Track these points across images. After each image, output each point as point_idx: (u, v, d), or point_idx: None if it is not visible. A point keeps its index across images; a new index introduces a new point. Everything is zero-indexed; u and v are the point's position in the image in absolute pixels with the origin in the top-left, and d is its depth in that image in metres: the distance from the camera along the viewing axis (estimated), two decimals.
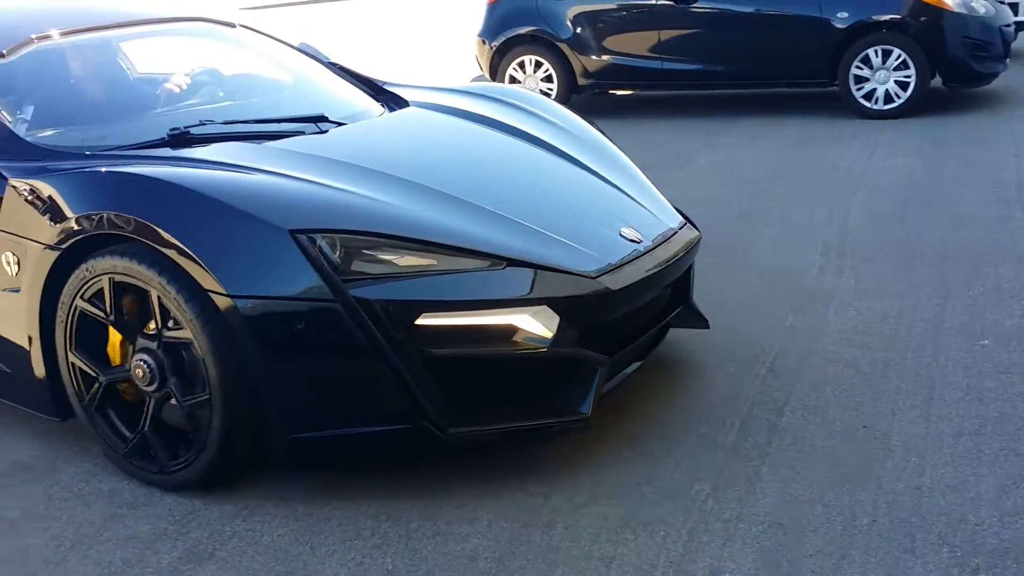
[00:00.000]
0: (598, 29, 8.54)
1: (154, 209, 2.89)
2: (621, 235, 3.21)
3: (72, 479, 3.22)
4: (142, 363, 2.98)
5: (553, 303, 2.89)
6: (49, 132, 3.51)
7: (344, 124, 3.67)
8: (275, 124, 3.53)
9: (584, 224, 3.23)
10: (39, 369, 3.21)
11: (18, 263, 3.18)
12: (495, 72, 8.88)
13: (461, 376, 2.86)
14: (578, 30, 8.55)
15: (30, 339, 3.20)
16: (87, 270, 2.99)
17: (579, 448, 3.15)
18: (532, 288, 2.89)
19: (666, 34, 8.38)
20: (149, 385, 3.00)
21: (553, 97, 8.62)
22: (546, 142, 3.75)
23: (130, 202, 2.94)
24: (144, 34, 4.30)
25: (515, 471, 3.05)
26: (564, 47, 8.61)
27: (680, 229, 3.49)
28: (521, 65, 8.80)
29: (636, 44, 8.50)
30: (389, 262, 2.83)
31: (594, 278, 2.98)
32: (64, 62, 4.00)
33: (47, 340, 3.16)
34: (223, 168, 3.12)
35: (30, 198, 3.14)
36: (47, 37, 3.83)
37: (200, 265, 2.78)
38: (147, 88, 4.18)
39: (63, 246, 3.03)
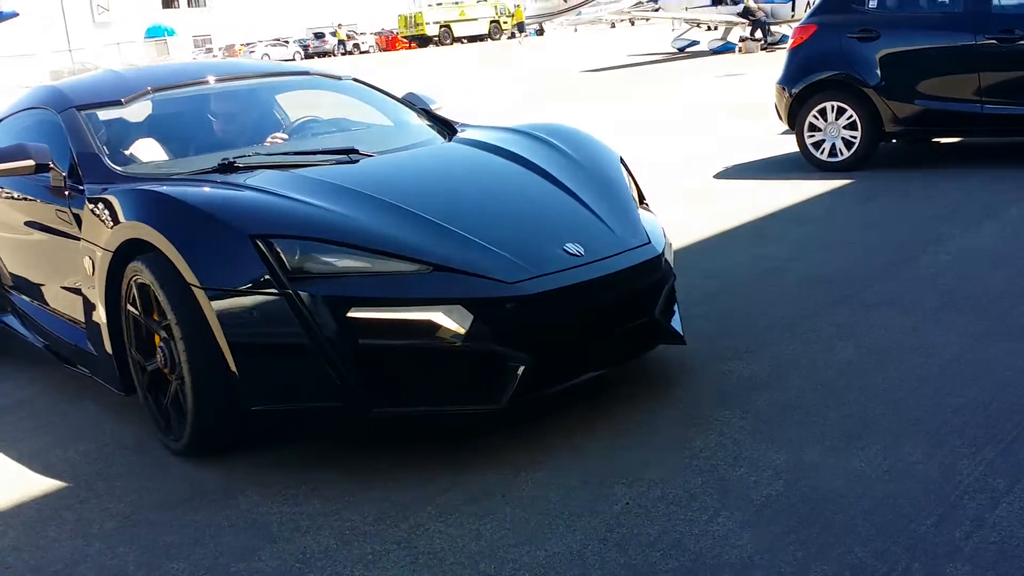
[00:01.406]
0: (910, 72, 7.85)
1: (156, 217, 3.58)
2: (564, 249, 3.56)
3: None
4: (161, 350, 3.59)
5: (468, 303, 3.28)
6: (137, 163, 4.32)
7: (372, 156, 4.23)
8: (312, 156, 4.18)
9: (527, 237, 3.61)
10: (108, 351, 3.92)
11: (92, 264, 3.94)
12: (794, 120, 8.46)
13: (385, 363, 3.30)
14: (887, 73, 7.92)
15: (101, 327, 3.83)
16: (126, 271, 3.68)
17: None
18: (449, 289, 3.30)
19: (988, 76, 7.52)
20: (166, 368, 3.58)
21: (856, 145, 8.08)
22: (538, 166, 4.13)
23: (145, 212, 3.65)
24: (254, 86, 5.13)
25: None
26: (871, 92, 8.00)
27: (639, 247, 3.74)
28: (822, 112, 8.30)
29: (953, 87, 7.70)
30: (329, 263, 3.34)
31: (510, 283, 3.35)
32: (169, 109, 4.89)
33: (114, 328, 3.78)
34: (229, 187, 3.75)
35: (97, 211, 3.93)
36: (162, 89, 4.76)
37: (182, 261, 3.38)
38: (229, 128, 4.89)
39: (112, 250, 3.74)
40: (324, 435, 3.70)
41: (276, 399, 3.38)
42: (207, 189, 3.74)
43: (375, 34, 70.21)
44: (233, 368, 3.35)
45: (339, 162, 4.12)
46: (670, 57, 27.50)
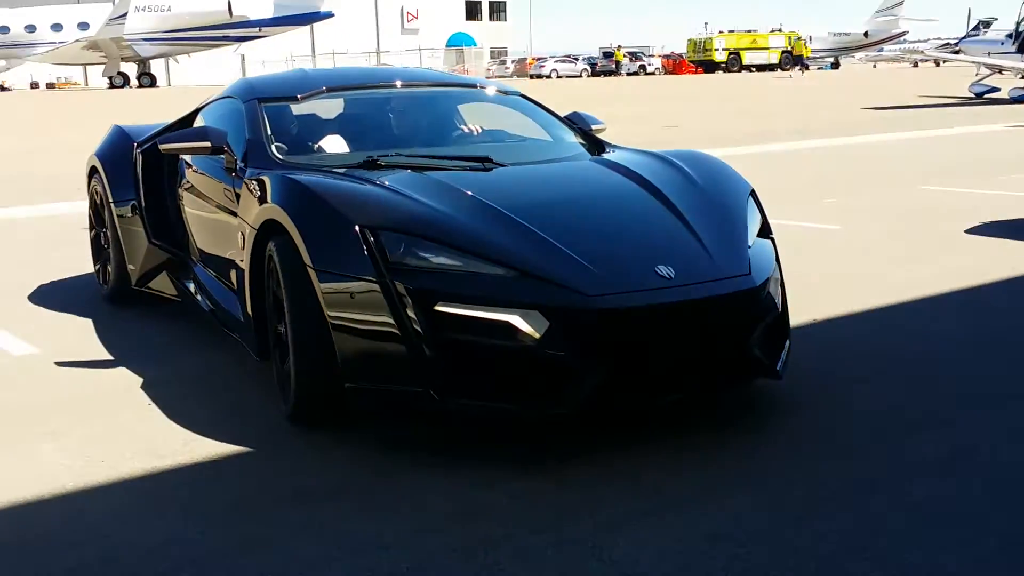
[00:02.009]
0: None
1: (288, 201, 3.93)
2: (655, 270, 3.63)
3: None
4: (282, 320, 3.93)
5: (545, 310, 3.44)
6: (297, 152, 4.75)
7: (504, 166, 4.50)
8: (449, 160, 4.54)
9: (620, 253, 3.73)
10: (249, 316, 4.32)
11: (243, 238, 4.34)
12: None
13: (465, 357, 3.49)
14: None
15: (246, 294, 4.30)
16: (267, 247, 4.00)
17: None
18: (529, 295, 3.47)
19: None
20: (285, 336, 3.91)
21: None
22: (656, 188, 4.20)
23: (282, 196, 4.00)
24: (428, 93, 5.54)
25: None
26: None
27: (735, 277, 3.73)
28: None
29: None
30: (425, 259, 3.58)
31: (589, 296, 3.48)
32: (338, 107, 5.36)
33: (256, 297, 4.21)
34: (358, 181, 4.10)
35: (251, 191, 4.34)
36: (335, 89, 5.27)
37: (301, 242, 3.72)
38: (402, 129, 5.23)
39: (256, 227, 4.10)
40: (408, 417, 3.92)
41: (367, 378, 3.64)
42: (335, 180, 4.08)
43: (662, 56, 70.30)
44: (333, 346, 3.63)
45: (473, 168, 4.41)
46: (964, 102, 25.65)
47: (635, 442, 3.70)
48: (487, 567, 2.87)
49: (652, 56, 70.62)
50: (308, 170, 4.36)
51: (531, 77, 58.87)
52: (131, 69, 58.10)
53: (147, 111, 25.33)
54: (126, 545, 3.09)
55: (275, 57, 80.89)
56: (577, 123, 5.35)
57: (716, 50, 64.19)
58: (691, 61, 65.43)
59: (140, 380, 4.65)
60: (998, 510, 3.16)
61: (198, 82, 76.84)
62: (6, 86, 65.72)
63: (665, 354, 3.60)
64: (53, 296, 6.43)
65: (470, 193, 3.96)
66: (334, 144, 4.89)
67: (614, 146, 5.10)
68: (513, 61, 67.93)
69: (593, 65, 64.69)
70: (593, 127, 5.37)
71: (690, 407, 3.98)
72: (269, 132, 4.77)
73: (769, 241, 4.20)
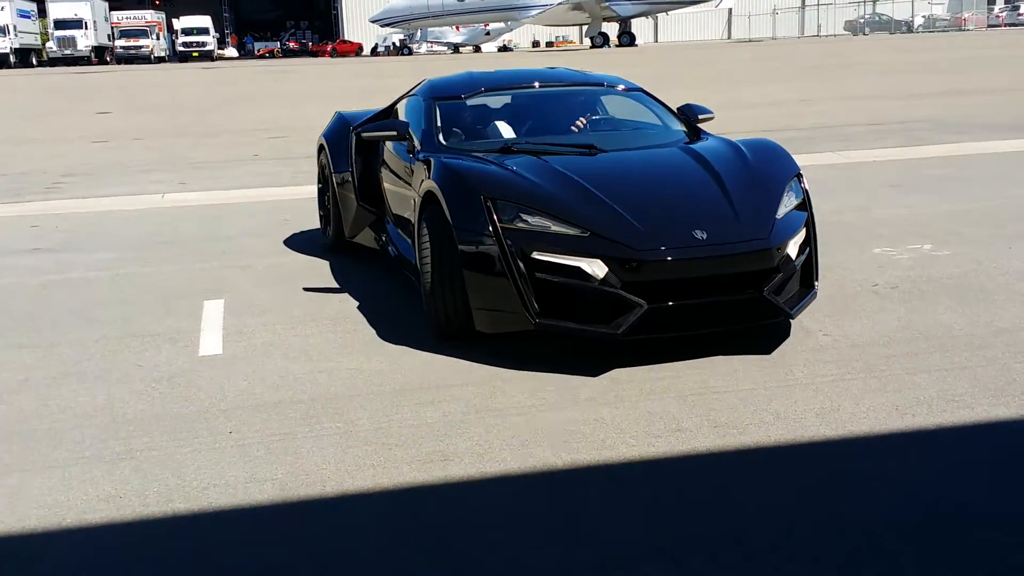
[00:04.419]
0: None
1: (439, 177, 5.34)
2: (692, 233, 4.86)
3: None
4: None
5: (605, 259, 4.76)
6: (457, 140, 6.28)
7: (606, 152, 5.82)
8: (562, 147, 5.84)
9: (669, 218, 5.00)
10: (417, 261, 5.69)
11: (414, 203, 5.76)
12: None
13: (551, 290, 4.84)
14: None
15: (416, 246, 5.64)
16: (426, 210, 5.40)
17: None
18: (595, 249, 4.79)
19: None
20: None
21: None
22: (712, 167, 5.46)
23: (436, 174, 5.40)
24: (567, 91, 6.97)
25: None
26: None
27: (755, 239, 4.94)
28: None
29: None
30: (527, 221, 4.95)
31: (637, 251, 4.76)
32: (497, 104, 6.89)
33: (419, 254, 5.53)
34: (491, 164, 5.48)
35: (420, 169, 5.81)
36: (492, 90, 6.81)
37: (445, 207, 5.12)
38: (529, 121, 6.56)
39: (421, 196, 5.51)
40: (508, 334, 5.19)
41: (485, 305, 5.04)
42: (472, 163, 5.53)
43: None
44: (463, 282, 5.05)
45: (581, 153, 5.75)
46: None
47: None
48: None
49: None
50: (460, 154, 5.80)
51: None
52: (613, 29, 61.16)
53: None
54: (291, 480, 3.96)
55: (760, 10, 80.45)
56: (686, 113, 6.59)
57: None
58: None
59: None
60: None
61: (683, 38, 78.76)
62: (510, 46, 72.28)
63: (694, 297, 4.81)
64: None
65: (568, 173, 5.31)
66: (487, 133, 6.41)
67: (707, 134, 6.31)
68: None
69: None
70: (700, 116, 6.56)
71: (710, 338, 5.12)
72: (439, 124, 6.33)
73: (805, 214, 5.33)
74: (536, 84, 6.95)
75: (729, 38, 79.14)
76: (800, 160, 5.93)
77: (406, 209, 6.18)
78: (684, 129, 6.38)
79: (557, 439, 4.06)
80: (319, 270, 7.18)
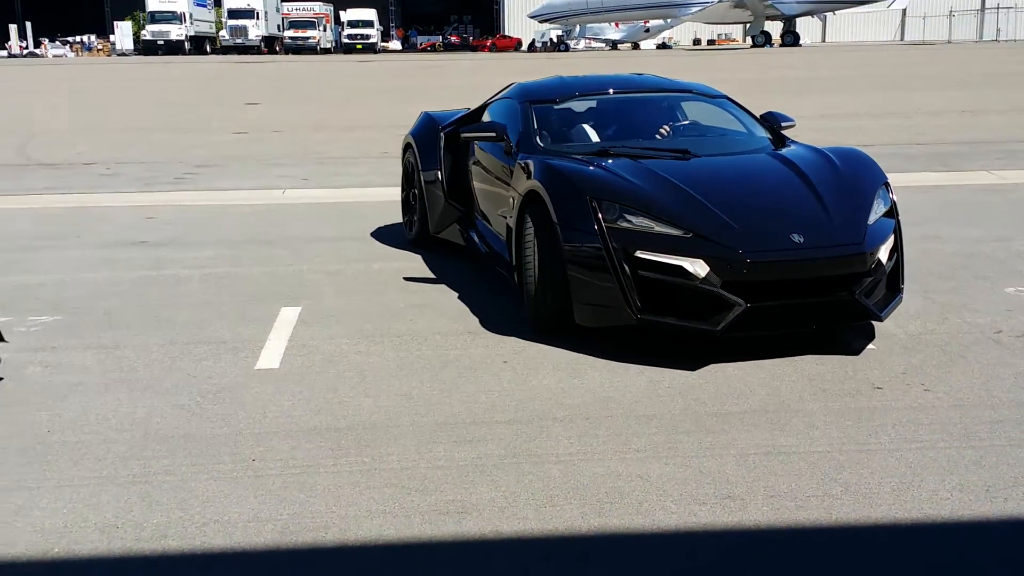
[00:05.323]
0: None
1: (543, 178, 5.54)
2: (790, 236, 5.03)
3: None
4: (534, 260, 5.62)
5: (707, 260, 4.94)
6: (551, 142, 6.41)
7: (699, 156, 5.94)
8: (656, 152, 6.03)
9: (768, 223, 5.15)
10: (512, 259, 5.98)
11: (512, 202, 5.98)
12: None
13: (653, 288, 5.02)
14: None
15: (512, 241, 5.93)
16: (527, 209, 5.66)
17: None
18: (697, 250, 4.97)
19: None
20: None
21: None
22: (804, 173, 5.60)
23: (539, 174, 5.62)
24: (654, 97, 7.18)
25: None
26: None
27: (848, 244, 5.10)
28: None
29: None
30: (630, 221, 5.12)
31: (738, 252, 4.93)
32: (586, 107, 7.04)
33: (518, 244, 5.76)
34: (591, 165, 5.65)
35: (520, 169, 5.99)
36: (585, 95, 7.02)
37: (550, 206, 5.31)
38: (633, 124, 6.79)
39: (522, 195, 5.69)
40: (608, 328, 5.36)
41: (587, 300, 5.20)
42: (575, 164, 5.69)
43: None
44: (565, 278, 5.22)
45: (675, 157, 5.87)
46: None
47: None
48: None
49: None
50: (559, 156, 5.98)
51: None
52: (777, 28, 59.33)
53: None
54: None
55: (936, 11, 76.79)
56: (769, 120, 6.70)
57: None
58: None
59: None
60: None
61: (853, 39, 75.87)
62: (669, 43, 71.23)
63: (789, 297, 5.02)
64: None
65: (666, 176, 5.48)
66: (580, 135, 6.56)
67: (792, 141, 6.44)
68: None
69: None
70: (783, 124, 6.63)
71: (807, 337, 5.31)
72: (535, 127, 6.47)
73: (893, 221, 5.50)
74: (623, 90, 7.13)
75: (902, 40, 75.79)
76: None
77: (501, 207, 6.34)
78: (769, 136, 6.52)
79: (590, 497, 3.66)
80: (408, 280, 6.95)
